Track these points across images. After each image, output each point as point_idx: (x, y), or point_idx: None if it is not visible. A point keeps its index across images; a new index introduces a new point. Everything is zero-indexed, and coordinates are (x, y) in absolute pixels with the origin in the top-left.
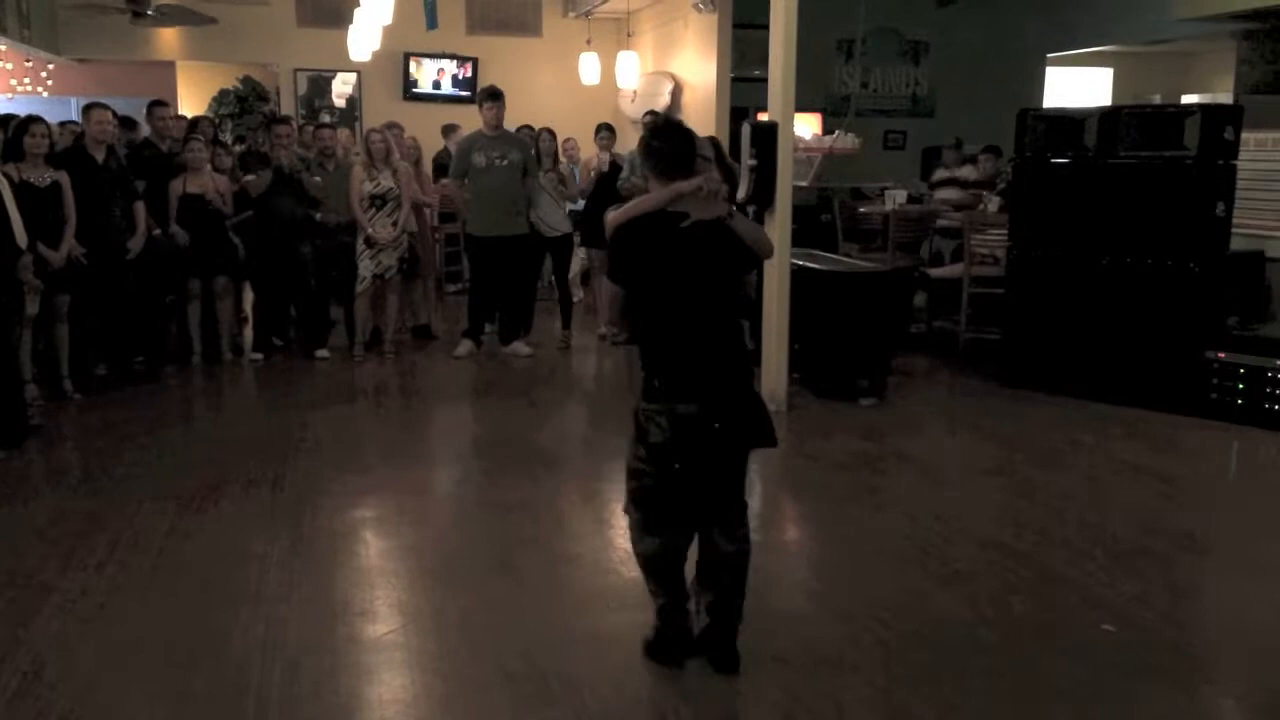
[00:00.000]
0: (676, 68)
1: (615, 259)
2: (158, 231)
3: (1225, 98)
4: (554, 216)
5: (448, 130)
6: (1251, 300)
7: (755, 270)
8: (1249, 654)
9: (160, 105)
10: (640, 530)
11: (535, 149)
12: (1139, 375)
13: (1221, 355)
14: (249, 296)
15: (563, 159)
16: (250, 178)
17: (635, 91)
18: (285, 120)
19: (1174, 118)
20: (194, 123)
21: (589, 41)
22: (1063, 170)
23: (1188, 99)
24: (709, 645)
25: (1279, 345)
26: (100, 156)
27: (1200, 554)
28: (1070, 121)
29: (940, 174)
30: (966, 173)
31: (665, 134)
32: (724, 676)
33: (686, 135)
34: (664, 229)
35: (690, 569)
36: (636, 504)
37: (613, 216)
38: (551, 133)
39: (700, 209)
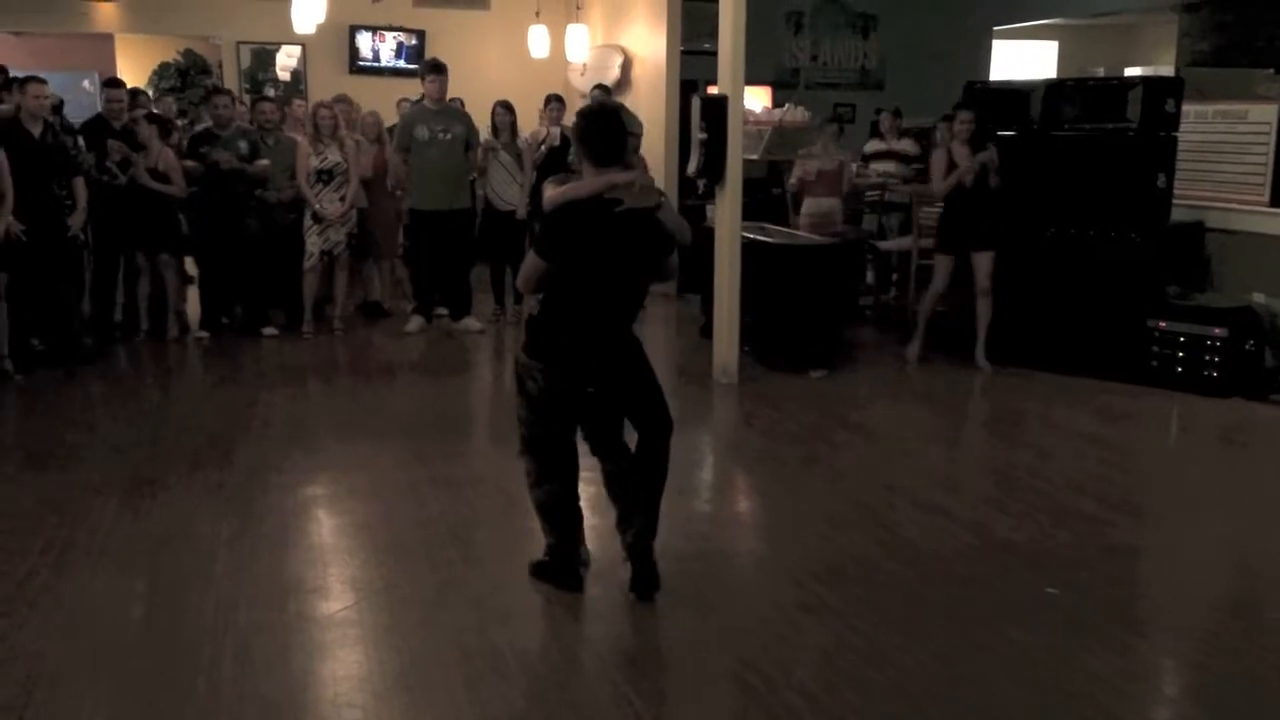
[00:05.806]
0: (626, 41)
1: (548, 238)
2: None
3: (1167, 70)
4: (509, 191)
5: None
6: (1191, 270)
7: (674, 252)
8: (1185, 614)
9: (111, 85)
10: (534, 478)
11: (492, 123)
12: (1083, 344)
13: (1162, 324)
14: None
15: (522, 134)
16: (190, 163)
17: (585, 65)
18: (224, 91)
19: (1117, 90)
20: (134, 95)
21: (538, 14)
22: (1008, 143)
23: (1131, 72)
24: (634, 578)
25: (1217, 314)
26: (36, 131)
27: (1140, 517)
28: (1016, 94)
29: (875, 145)
30: (905, 146)
31: (597, 122)
32: (676, 656)
33: (618, 122)
34: (599, 214)
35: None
36: (528, 453)
37: (550, 195)
38: (507, 106)
39: (633, 197)
